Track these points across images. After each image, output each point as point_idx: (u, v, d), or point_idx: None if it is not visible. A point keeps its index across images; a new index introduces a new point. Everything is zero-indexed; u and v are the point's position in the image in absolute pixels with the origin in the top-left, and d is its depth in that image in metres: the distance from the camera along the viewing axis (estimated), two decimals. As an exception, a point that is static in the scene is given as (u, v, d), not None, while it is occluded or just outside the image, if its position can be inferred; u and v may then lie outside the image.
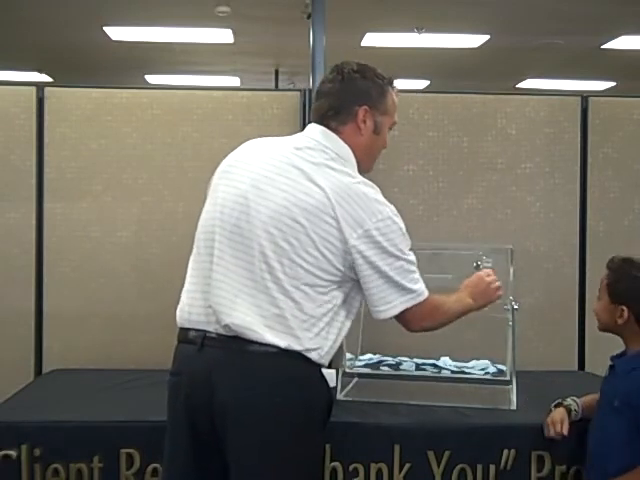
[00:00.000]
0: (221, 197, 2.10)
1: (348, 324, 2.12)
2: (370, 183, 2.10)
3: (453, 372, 2.82)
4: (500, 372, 2.78)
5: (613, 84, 11.57)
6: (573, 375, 3.20)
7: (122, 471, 2.38)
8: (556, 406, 2.44)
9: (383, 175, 3.29)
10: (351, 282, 2.08)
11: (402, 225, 2.09)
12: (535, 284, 3.27)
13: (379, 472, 2.40)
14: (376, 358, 2.91)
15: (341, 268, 2.03)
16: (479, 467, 2.41)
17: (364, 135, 2.15)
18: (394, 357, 2.90)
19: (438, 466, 2.40)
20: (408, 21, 8.01)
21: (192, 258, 2.16)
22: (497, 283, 2.33)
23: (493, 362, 2.84)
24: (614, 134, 3.37)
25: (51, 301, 3.25)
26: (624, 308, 2.27)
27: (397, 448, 2.40)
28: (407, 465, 2.40)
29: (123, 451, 2.37)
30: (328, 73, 2.21)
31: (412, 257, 2.10)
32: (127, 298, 3.26)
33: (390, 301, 2.06)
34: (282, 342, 1.99)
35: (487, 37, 8.77)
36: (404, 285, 2.06)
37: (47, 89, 3.27)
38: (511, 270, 2.70)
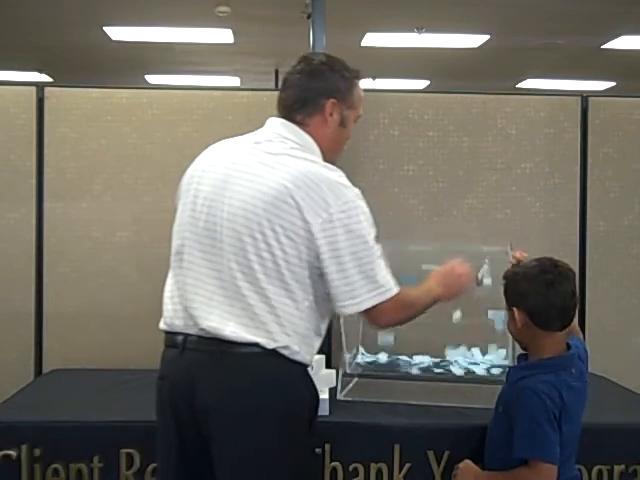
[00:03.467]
0: (190, 203, 2.10)
1: (324, 318, 2.07)
2: (333, 167, 2.04)
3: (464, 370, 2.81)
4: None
5: (613, 84, 11.57)
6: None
7: (122, 471, 2.38)
8: None
9: (383, 175, 3.30)
10: (321, 274, 1.99)
11: (367, 209, 2.00)
12: (535, 284, 3.26)
13: (379, 472, 2.40)
14: (386, 359, 2.87)
15: (309, 259, 1.96)
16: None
17: (330, 128, 2.11)
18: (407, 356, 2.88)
19: (438, 466, 2.40)
20: (408, 21, 8.01)
21: (171, 265, 2.16)
22: (468, 274, 2.28)
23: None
24: (614, 134, 3.38)
25: (51, 301, 3.25)
26: (514, 309, 2.20)
27: (397, 448, 2.40)
28: (407, 465, 2.40)
29: (123, 451, 2.37)
30: (296, 64, 2.15)
31: (379, 247, 1.99)
32: (127, 298, 3.26)
33: (356, 295, 1.96)
34: (259, 339, 1.96)
35: (487, 37, 8.77)
36: (372, 277, 1.96)
37: (47, 89, 3.27)
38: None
